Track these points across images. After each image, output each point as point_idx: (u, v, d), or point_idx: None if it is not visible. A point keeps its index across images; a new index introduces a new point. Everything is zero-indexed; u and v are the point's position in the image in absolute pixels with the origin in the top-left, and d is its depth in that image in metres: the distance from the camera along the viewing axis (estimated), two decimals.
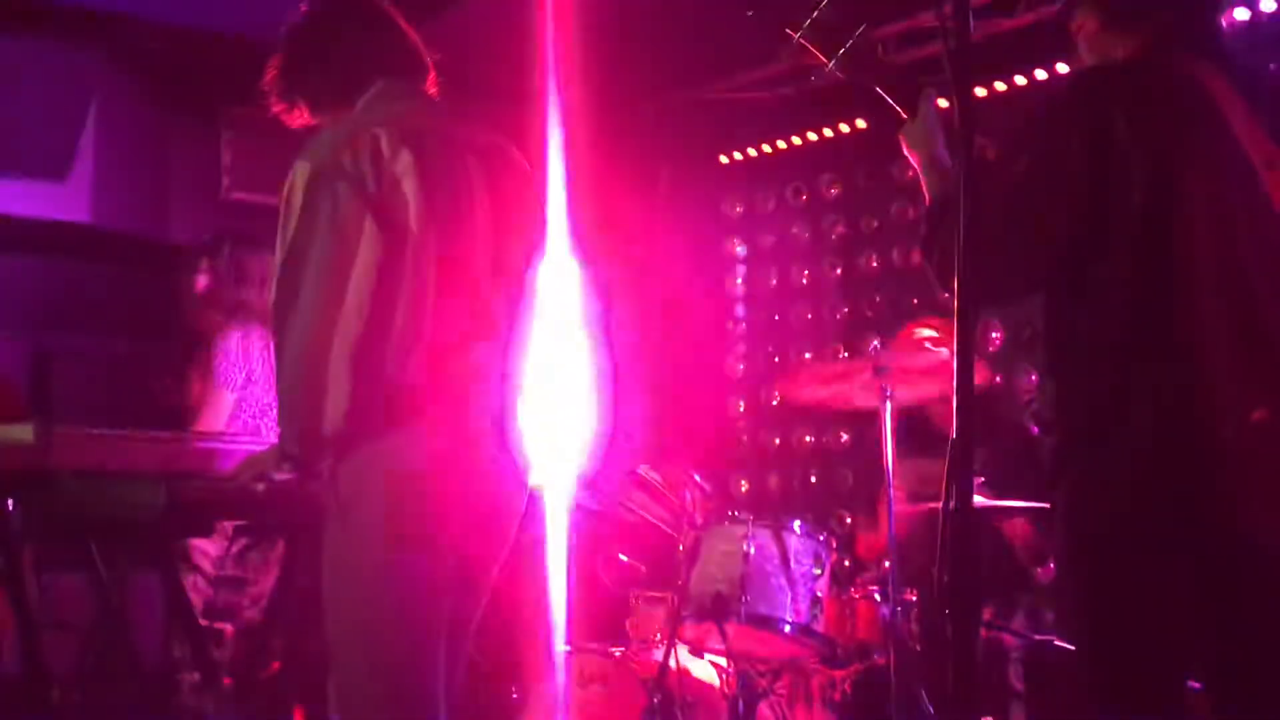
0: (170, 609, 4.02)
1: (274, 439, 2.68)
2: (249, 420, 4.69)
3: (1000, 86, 5.75)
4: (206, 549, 4.47)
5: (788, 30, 2.61)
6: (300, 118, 2.89)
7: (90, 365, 5.91)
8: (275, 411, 4.64)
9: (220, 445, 3.21)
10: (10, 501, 3.07)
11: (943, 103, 5.37)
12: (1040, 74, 5.60)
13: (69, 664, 3.46)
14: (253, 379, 4.69)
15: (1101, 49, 2.55)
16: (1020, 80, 5.68)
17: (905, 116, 2.63)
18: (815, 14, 2.60)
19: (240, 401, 4.67)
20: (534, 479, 2.88)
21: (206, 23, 5.66)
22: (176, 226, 6.20)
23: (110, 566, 3.06)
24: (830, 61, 2.60)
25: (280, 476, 2.70)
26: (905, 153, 2.65)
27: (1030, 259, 2.40)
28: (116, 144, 6.05)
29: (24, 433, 2.79)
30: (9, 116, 5.63)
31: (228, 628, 4.57)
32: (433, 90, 2.91)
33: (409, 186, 2.60)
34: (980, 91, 5.40)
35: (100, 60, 5.88)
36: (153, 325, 4.93)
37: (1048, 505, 2.55)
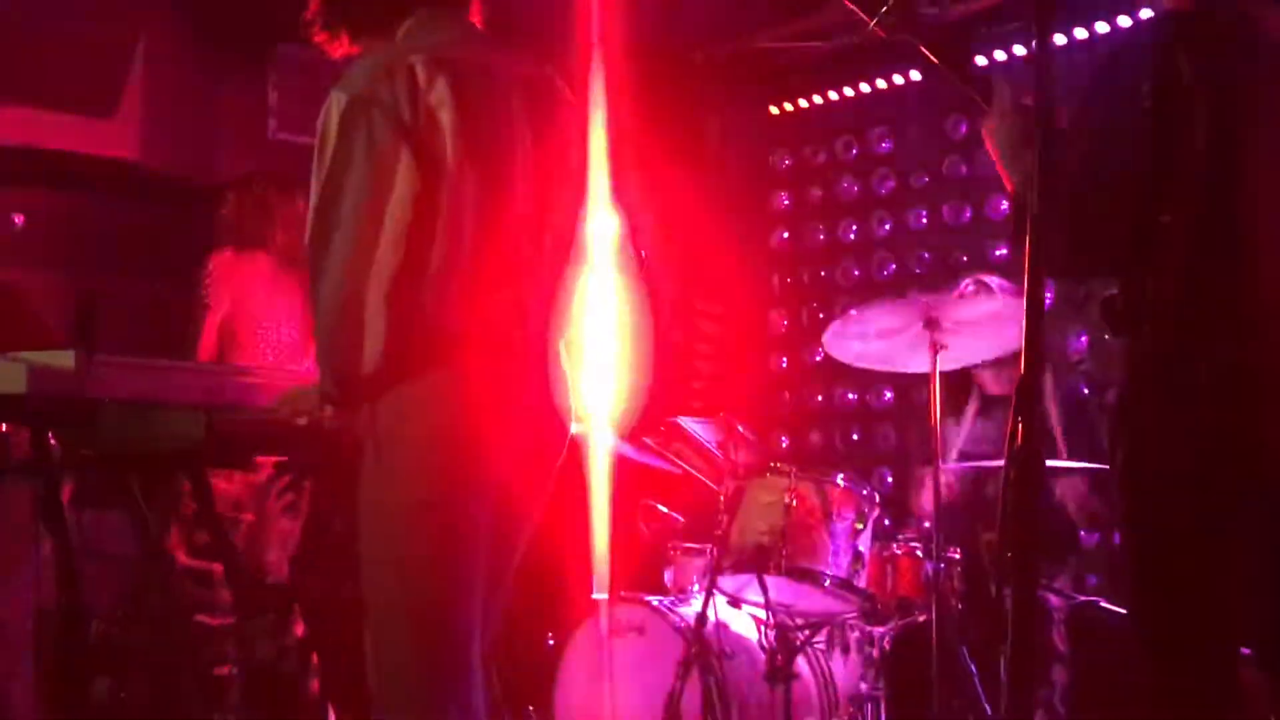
0: (211, 543, 4.03)
1: (301, 374, 2.65)
2: (253, 352, 4.67)
3: (1061, 40, 5.63)
4: (220, 485, 4.45)
5: None
6: (343, 48, 2.83)
7: (133, 303, 5.92)
8: (282, 343, 4.69)
9: (261, 379, 3.18)
10: (50, 433, 3.07)
11: (1000, 55, 5.24)
12: (1102, 26, 5.49)
13: (108, 597, 3.48)
14: (243, 305, 4.67)
15: None
16: (1082, 33, 5.57)
17: (952, 77, 2.57)
18: None
19: (235, 328, 4.65)
20: (574, 425, 2.84)
21: None
22: (222, 166, 6.19)
23: (149, 498, 3.04)
24: (872, 20, 2.55)
25: (320, 414, 2.67)
26: (987, 146, 2.59)
27: (1106, 217, 2.34)
28: (163, 82, 6.04)
29: (65, 359, 2.76)
30: (57, 52, 5.61)
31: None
32: (477, 20, 2.85)
33: (445, 117, 2.53)
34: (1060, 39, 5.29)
35: None
36: (196, 265, 4.93)
37: (1097, 466, 2.51)
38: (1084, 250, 2.40)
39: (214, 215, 4.86)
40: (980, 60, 5.97)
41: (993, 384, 4.73)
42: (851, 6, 2.55)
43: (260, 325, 4.70)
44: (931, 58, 2.55)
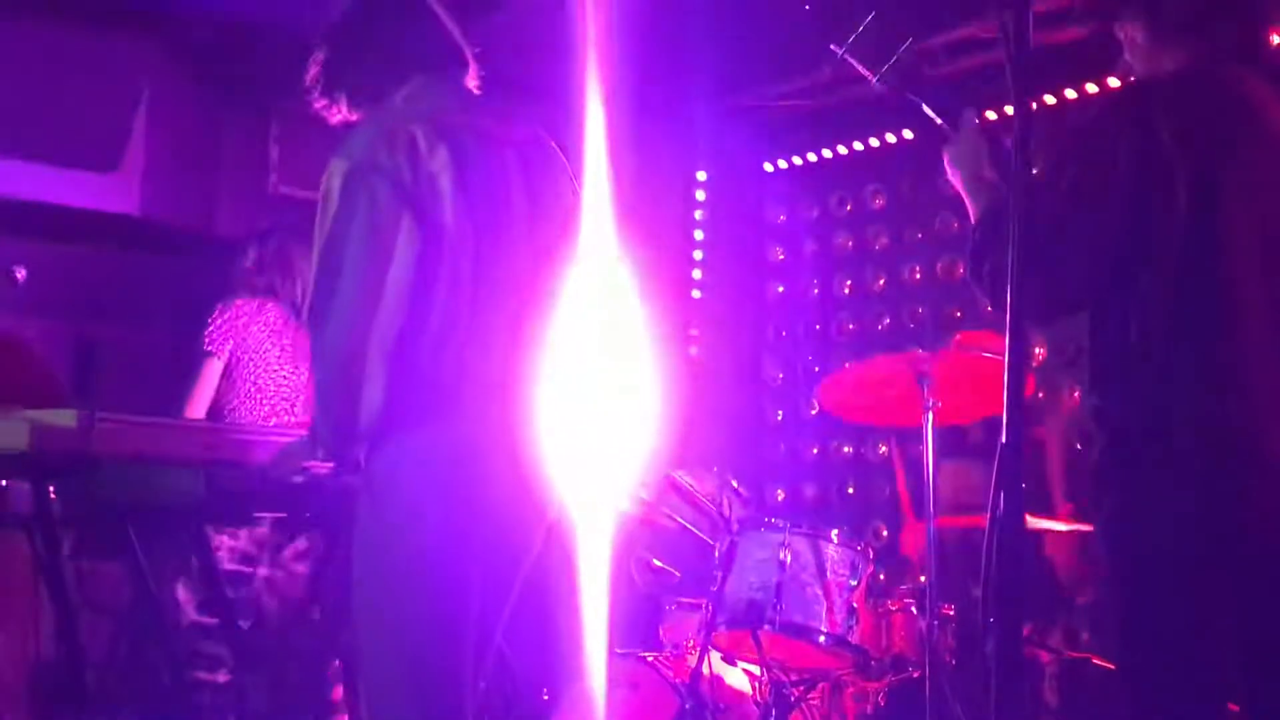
0: (206, 597, 4.04)
1: (298, 429, 2.69)
2: (246, 399, 4.71)
3: (1051, 100, 5.71)
4: (225, 542, 4.48)
5: (833, 46, 2.61)
6: (340, 114, 2.90)
7: (134, 355, 5.95)
8: (284, 397, 4.73)
9: (259, 436, 3.22)
10: (51, 487, 3.10)
11: (990, 115, 5.35)
12: (1092, 88, 5.56)
13: (105, 649, 3.49)
14: (246, 352, 4.71)
15: (1150, 61, 2.54)
16: (1071, 94, 5.64)
17: (948, 130, 2.62)
18: (860, 28, 2.59)
19: (233, 375, 4.69)
20: (568, 479, 2.87)
21: (258, 17, 5.70)
22: (224, 220, 6.24)
23: (148, 553, 3.07)
24: (875, 75, 2.60)
25: (316, 469, 2.71)
26: (948, 170, 2.63)
27: (1077, 272, 2.38)
28: (166, 137, 6.10)
29: (67, 418, 2.80)
30: (61, 107, 5.68)
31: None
32: (474, 85, 2.91)
33: (446, 182, 2.60)
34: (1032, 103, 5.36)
35: (152, 53, 5.93)
36: (197, 317, 4.97)
37: (1089, 525, 2.53)
38: (1053, 304, 2.43)
39: (230, 266, 4.90)
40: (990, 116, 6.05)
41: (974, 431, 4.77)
42: (854, 64, 2.60)
43: (258, 372, 4.73)
44: (932, 115, 2.60)
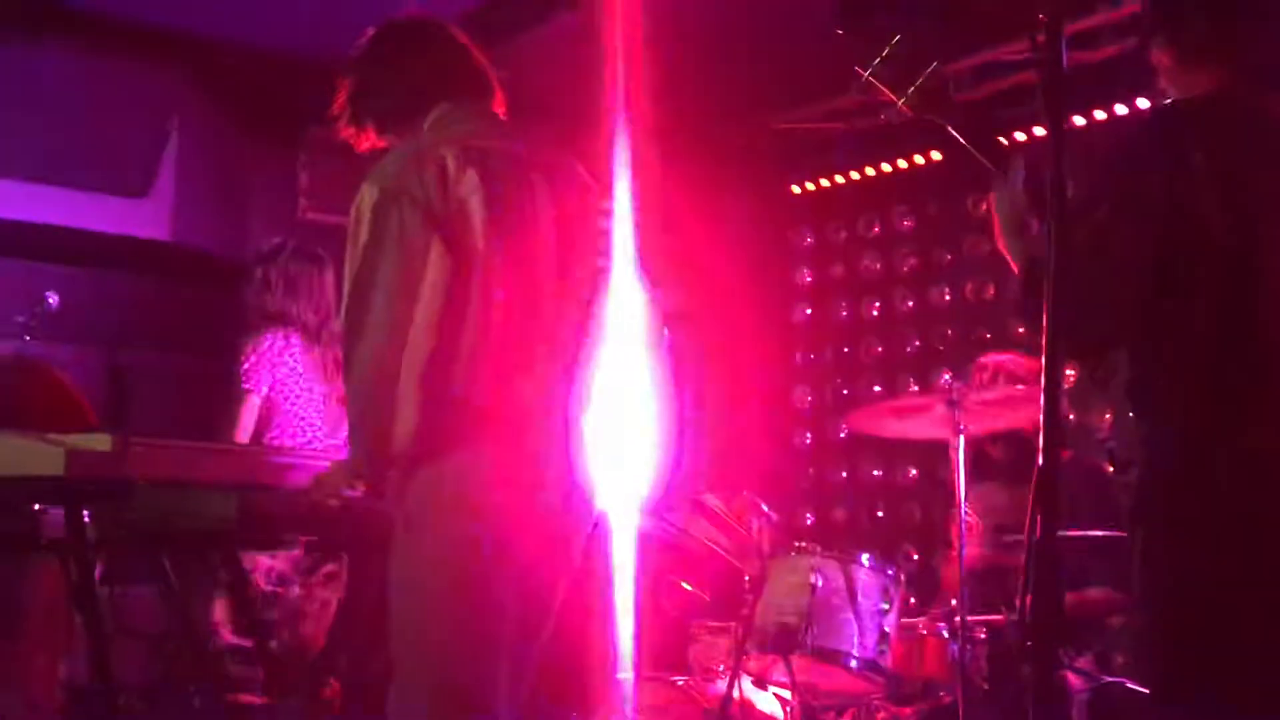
0: (239, 621, 4.05)
1: (333, 453, 2.70)
2: (286, 429, 4.73)
3: (1080, 121, 5.69)
4: (263, 563, 4.50)
5: (857, 69, 2.60)
6: (368, 141, 2.92)
7: (165, 381, 5.99)
8: (323, 423, 4.74)
9: (292, 459, 3.23)
10: (85, 511, 3.12)
11: (1020, 136, 5.32)
12: (1122, 108, 5.55)
13: (138, 672, 3.50)
14: (281, 385, 4.73)
15: (1181, 84, 2.53)
16: (1100, 115, 5.63)
17: (978, 157, 2.61)
18: (885, 52, 2.59)
19: (272, 407, 4.71)
20: (599, 502, 2.87)
21: (286, 46, 5.75)
22: (253, 245, 6.27)
23: (182, 577, 3.08)
24: (900, 99, 2.59)
25: (350, 493, 2.71)
26: (992, 216, 2.62)
27: (1118, 302, 2.36)
28: (196, 164, 6.15)
29: (102, 442, 2.82)
30: (93, 135, 5.74)
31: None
32: (500, 110, 2.93)
33: (475, 207, 2.62)
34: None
35: (182, 82, 5.99)
36: (227, 342, 5.00)
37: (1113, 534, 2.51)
38: (1086, 332, 2.41)
39: (243, 295, 4.92)
40: (1002, 140, 6.04)
41: (1005, 453, 4.75)
42: (879, 87, 2.59)
43: (296, 403, 4.76)
44: (959, 138, 2.59)
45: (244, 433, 4.71)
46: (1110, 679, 4.11)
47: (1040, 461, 1.81)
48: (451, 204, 2.60)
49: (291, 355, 4.78)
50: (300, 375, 4.78)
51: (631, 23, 5.23)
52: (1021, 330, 2.48)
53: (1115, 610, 4.46)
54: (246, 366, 4.72)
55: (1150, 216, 2.32)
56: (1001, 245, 2.59)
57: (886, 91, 2.61)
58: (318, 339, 4.80)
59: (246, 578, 3.85)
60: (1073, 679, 4.09)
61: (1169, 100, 2.55)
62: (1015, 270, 2.56)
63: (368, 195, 2.61)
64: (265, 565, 4.49)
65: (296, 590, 4.60)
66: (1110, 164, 2.44)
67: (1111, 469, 4.86)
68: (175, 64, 5.88)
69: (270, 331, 4.79)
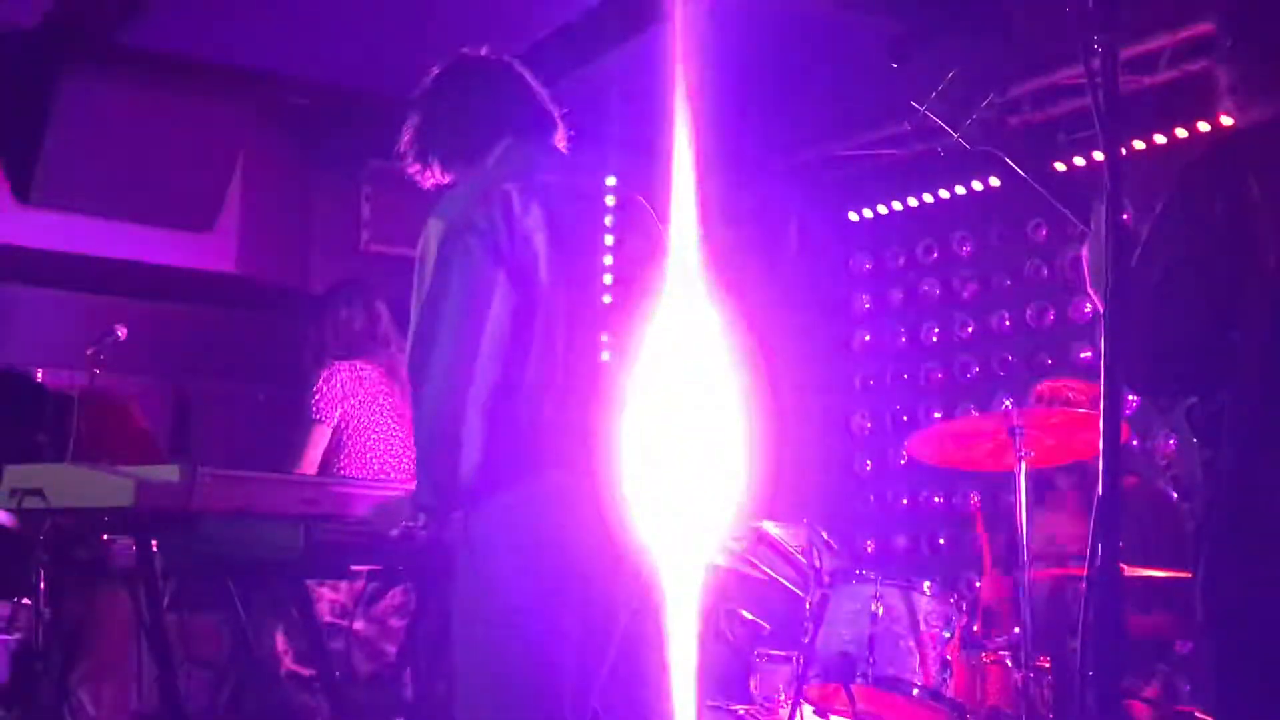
0: (304, 648, 4.09)
1: (398, 484, 2.73)
2: (353, 459, 4.77)
3: (1140, 145, 5.65)
4: (326, 595, 4.55)
5: (914, 104, 2.59)
6: (433, 178, 2.96)
7: (231, 410, 6.07)
8: (392, 456, 4.79)
9: (357, 489, 3.27)
10: (154, 541, 3.17)
11: (1079, 161, 5.26)
12: (1181, 132, 5.50)
13: (205, 700, 3.55)
14: (351, 416, 4.77)
15: (1243, 109, 2.51)
16: (1160, 139, 5.59)
17: (1034, 185, 2.59)
18: (941, 86, 2.58)
19: (341, 438, 4.75)
20: (661, 533, 2.88)
21: (349, 80, 5.83)
22: (316, 277, 6.36)
23: (247, 606, 3.12)
24: (957, 132, 2.57)
25: (415, 525, 2.74)
26: (1084, 270, 2.60)
27: (1195, 343, 2.33)
28: (261, 197, 6.24)
29: (170, 473, 2.87)
30: (160, 169, 5.84)
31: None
32: (561, 144, 2.96)
33: (540, 242, 2.65)
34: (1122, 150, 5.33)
35: (247, 116, 6.08)
36: (292, 373, 5.07)
37: (1187, 574, 2.49)
38: (1165, 361, 2.39)
39: (320, 325, 4.98)
40: (1059, 166, 6.02)
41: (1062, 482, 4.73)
42: (936, 120, 2.58)
43: (368, 434, 4.80)
44: (1015, 167, 2.57)
45: (311, 464, 4.76)
46: (1180, 708, 4.06)
47: (1100, 490, 1.80)
48: (517, 239, 2.63)
49: (366, 387, 4.83)
50: (376, 408, 4.83)
51: (692, 53, 5.26)
52: (1088, 355, 2.45)
53: (1179, 634, 4.40)
54: (317, 397, 4.78)
55: (1217, 250, 2.30)
56: (1092, 291, 2.57)
57: (943, 124, 2.60)
58: (397, 373, 4.85)
59: (313, 607, 3.88)
60: (1140, 708, 4.04)
61: (1228, 128, 2.53)
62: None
63: (435, 229, 2.65)
64: (328, 597, 4.54)
65: (359, 624, 4.63)
66: (1173, 201, 2.41)
67: (1176, 495, 4.81)
68: (239, 99, 5.98)
69: (342, 362, 4.85)
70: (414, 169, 2.95)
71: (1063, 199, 2.64)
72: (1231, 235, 2.28)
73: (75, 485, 2.96)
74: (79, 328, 5.29)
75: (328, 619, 4.61)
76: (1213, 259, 2.30)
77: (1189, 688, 4.59)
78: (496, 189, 2.68)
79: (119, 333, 4.26)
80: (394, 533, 2.77)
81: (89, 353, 4.21)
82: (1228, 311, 2.31)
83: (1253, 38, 2.51)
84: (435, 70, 2.99)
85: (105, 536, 3.68)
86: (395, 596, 4.60)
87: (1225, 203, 2.30)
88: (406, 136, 2.95)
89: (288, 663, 4.49)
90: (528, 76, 2.98)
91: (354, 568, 3.78)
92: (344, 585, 4.50)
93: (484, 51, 3.01)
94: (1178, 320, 2.32)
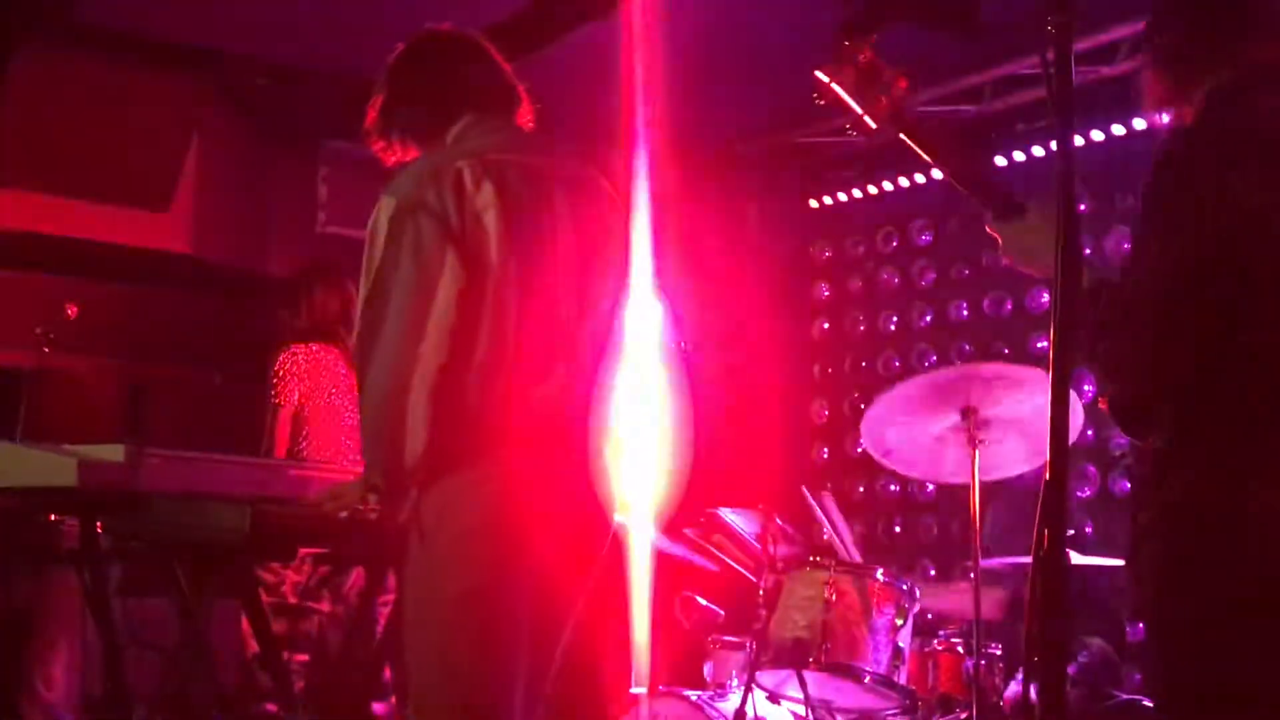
0: (255, 635, 4.05)
1: (350, 465, 2.70)
2: (315, 441, 4.75)
3: (1098, 136, 5.68)
4: (290, 576, 4.53)
5: (815, 72, 2.51)
6: (398, 154, 2.92)
7: (183, 393, 6.02)
8: (350, 438, 4.77)
9: (306, 472, 3.24)
10: (99, 522, 3.13)
11: (1037, 151, 5.27)
12: (1140, 124, 5.53)
13: (152, 685, 3.50)
14: (311, 396, 4.76)
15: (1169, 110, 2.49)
16: (1119, 130, 5.61)
17: (953, 182, 2.53)
18: (842, 53, 2.52)
19: (301, 418, 4.73)
20: (615, 516, 2.87)
21: (306, 60, 5.78)
22: (273, 258, 6.32)
23: (194, 589, 3.09)
24: (861, 110, 2.50)
25: (364, 507, 2.71)
26: (1007, 255, 2.56)
27: (1188, 336, 2.24)
28: (217, 177, 6.19)
29: (115, 453, 2.83)
30: (114, 147, 5.78)
31: (303, 656, 4.62)
32: (526, 123, 2.93)
33: (491, 220, 2.62)
34: (1078, 140, 5.35)
35: (204, 94, 6.03)
36: (247, 356, 5.03)
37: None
38: (1163, 379, 2.28)
39: (295, 306, 4.96)
40: (1000, 160, 6.05)
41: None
42: (845, 99, 2.50)
43: (330, 416, 4.78)
44: (922, 154, 2.51)
45: (279, 445, 4.75)
46: (1128, 696, 4.09)
47: (1047, 475, 1.79)
48: (468, 217, 2.60)
49: (324, 369, 4.81)
50: (335, 390, 4.81)
51: (653, 38, 5.25)
52: (1044, 344, 2.41)
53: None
54: (275, 380, 4.75)
55: (1201, 250, 2.20)
56: (1026, 269, 2.53)
57: (849, 101, 2.51)
58: None
59: (259, 590, 3.85)
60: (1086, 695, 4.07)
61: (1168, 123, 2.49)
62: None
63: (384, 208, 2.61)
64: (291, 579, 4.51)
65: (326, 605, 4.61)
66: (1150, 208, 2.34)
67: (1129, 487, 4.83)
68: (195, 78, 5.92)
69: (298, 344, 4.82)
70: (378, 146, 2.91)
71: (977, 189, 2.54)
72: (1223, 249, 2.19)
73: (18, 464, 2.91)
74: (29, 307, 5.22)
75: (292, 600, 4.59)
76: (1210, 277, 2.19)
77: (1139, 677, 4.63)
78: (449, 166, 2.65)
79: (69, 312, 4.22)
80: (342, 515, 2.75)
81: (37, 332, 4.17)
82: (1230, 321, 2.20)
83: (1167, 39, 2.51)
84: (400, 46, 2.95)
85: (53, 517, 3.64)
86: (360, 577, 4.58)
87: (1203, 197, 2.21)
88: (371, 114, 2.91)
89: (252, 645, 4.45)
90: (493, 52, 2.95)
91: (303, 550, 3.77)
92: (307, 567, 4.48)
93: (449, 27, 2.97)
94: (1182, 356, 2.20)
